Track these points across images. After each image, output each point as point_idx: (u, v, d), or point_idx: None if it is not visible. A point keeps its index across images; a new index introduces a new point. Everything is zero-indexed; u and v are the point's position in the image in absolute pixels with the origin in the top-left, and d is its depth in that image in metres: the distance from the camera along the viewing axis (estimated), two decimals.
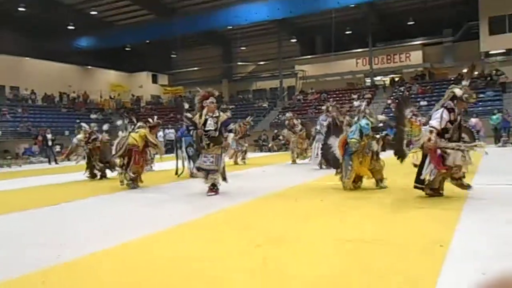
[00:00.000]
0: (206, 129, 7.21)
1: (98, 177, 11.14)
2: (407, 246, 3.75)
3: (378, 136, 7.32)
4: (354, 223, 4.79)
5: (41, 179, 11.93)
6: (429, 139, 5.64)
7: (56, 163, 20.53)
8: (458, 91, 5.87)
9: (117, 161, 9.12)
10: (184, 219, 5.35)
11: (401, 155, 6.16)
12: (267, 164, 14.20)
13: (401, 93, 29.14)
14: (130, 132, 8.85)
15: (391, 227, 4.53)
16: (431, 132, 5.68)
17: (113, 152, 8.91)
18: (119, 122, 11.56)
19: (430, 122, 5.85)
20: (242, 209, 6.07)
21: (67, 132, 26.24)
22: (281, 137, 15.46)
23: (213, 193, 7.20)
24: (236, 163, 14.34)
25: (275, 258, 3.54)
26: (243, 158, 14.82)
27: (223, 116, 7.53)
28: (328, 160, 7.96)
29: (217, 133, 7.24)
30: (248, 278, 3.09)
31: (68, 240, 4.50)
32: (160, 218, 5.56)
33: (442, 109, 5.87)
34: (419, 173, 6.04)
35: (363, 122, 7.26)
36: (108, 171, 11.08)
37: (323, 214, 5.44)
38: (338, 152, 7.47)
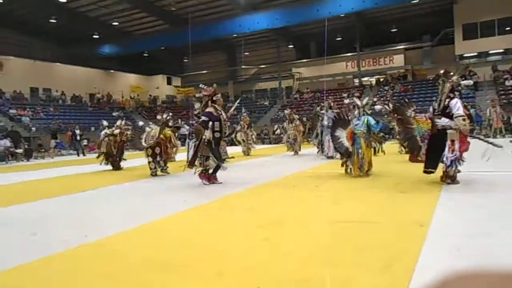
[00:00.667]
0: (223, 119, 7.11)
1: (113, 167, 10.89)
2: (392, 226, 3.73)
3: (383, 135, 7.29)
4: (345, 207, 4.77)
5: (71, 169, 11.96)
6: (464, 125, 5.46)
7: (84, 155, 20.59)
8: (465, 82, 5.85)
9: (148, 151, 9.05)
10: (194, 204, 5.34)
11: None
12: (268, 155, 14.16)
13: (385, 91, 29.04)
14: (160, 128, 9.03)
15: (377, 209, 4.51)
16: (464, 119, 5.49)
17: (144, 144, 9.01)
18: (140, 123, 11.58)
19: (457, 112, 5.53)
20: (246, 195, 6.05)
21: (93, 128, 26.24)
22: (278, 131, 15.28)
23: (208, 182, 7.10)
24: (247, 153, 14.11)
25: (275, 237, 3.53)
26: (249, 149, 14.40)
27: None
28: (339, 150, 7.70)
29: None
30: (251, 253, 3.08)
31: (95, 222, 4.51)
32: (174, 203, 5.56)
33: (458, 100, 5.71)
34: (432, 159, 5.79)
35: (372, 120, 7.23)
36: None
37: (317, 198, 5.43)
38: (347, 143, 7.31)
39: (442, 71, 6.48)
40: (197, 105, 7.89)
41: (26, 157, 18.97)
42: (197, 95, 7.62)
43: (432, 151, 5.86)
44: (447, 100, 5.74)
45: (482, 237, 3.22)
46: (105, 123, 11.47)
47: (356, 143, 7.18)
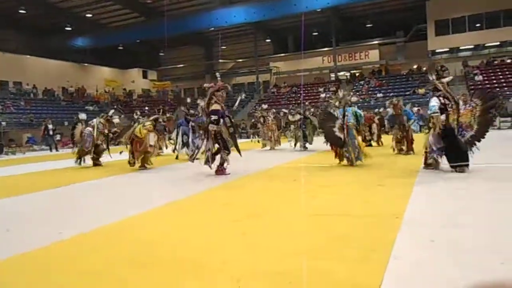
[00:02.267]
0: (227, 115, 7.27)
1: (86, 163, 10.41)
2: (368, 218, 3.80)
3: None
4: (323, 200, 4.83)
5: (44, 165, 11.64)
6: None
7: (57, 150, 20.08)
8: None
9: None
10: (171, 199, 5.29)
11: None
12: (246, 149, 14.09)
13: (361, 86, 29.46)
14: (139, 124, 9.06)
15: (355, 202, 4.59)
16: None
17: (122, 139, 9.25)
18: (82, 116, 11.04)
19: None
20: (223, 189, 6.03)
21: (66, 123, 25.60)
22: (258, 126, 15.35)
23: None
24: None
25: (253, 231, 3.54)
26: None
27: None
28: (332, 140, 7.97)
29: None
30: (229, 247, 3.08)
31: (69, 219, 4.41)
32: (151, 198, 5.50)
33: (434, 97, 6.37)
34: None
35: (360, 111, 8.17)
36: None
37: (295, 192, 5.47)
38: (340, 134, 7.59)
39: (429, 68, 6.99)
40: (189, 100, 7.85)
41: None
42: (206, 85, 7.49)
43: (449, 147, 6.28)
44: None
45: (454, 228, 3.32)
46: (83, 116, 10.98)
47: (350, 135, 7.52)
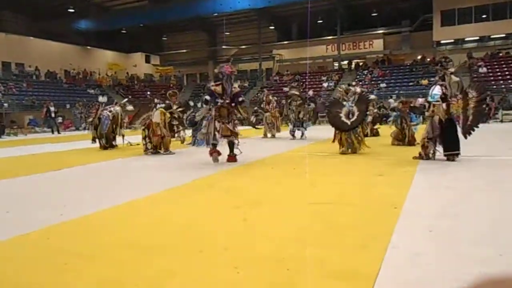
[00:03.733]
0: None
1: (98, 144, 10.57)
2: (367, 208, 3.81)
3: None
4: (322, 189, 4.83)
5: (46, 146, 11.66)
6: None
7: (59, 132, 20.11)
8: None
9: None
10: (172, 184, 5.30)
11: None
12: (246, 136, 14.03)
13: (364, 76, 29.27)
14: (155, 110, 8.96)
15: (354, 192, 4.59)
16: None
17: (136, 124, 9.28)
18: (100, 99, 11.12)
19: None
20: (223, 176, 6.04)
21: (68, 105, 25.59)
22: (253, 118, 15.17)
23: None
24: None
25: (253, 218, 3.55)
26: None
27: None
28: (337, 124, 8.07)
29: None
30: (229, 233, 3.10)
31: (70, 201, 4.42)
32: (152, 182, 5.51)
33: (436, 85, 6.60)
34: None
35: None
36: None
37: (296, 180, 5.47)
38: (347, 121, 7.79)
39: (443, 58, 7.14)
40: (236, 84, 7.43)
41: None
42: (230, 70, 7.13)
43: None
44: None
45: (453, 219, 3.32)
46: (103, 99, 11.00)
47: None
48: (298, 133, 12.18)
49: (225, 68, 7.04)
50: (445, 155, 6.49)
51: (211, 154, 6.99)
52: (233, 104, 7.03)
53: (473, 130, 6.44)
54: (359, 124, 7.97)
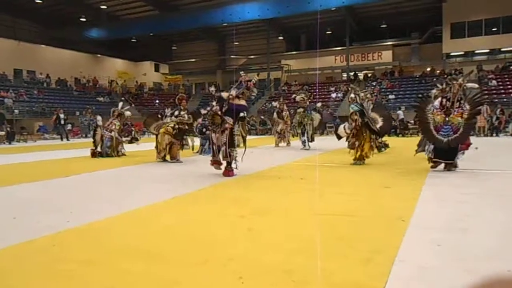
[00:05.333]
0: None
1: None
2: (374, 220, 3.78)
3: None
4: (329, 199, 4.80)
5: (55, 153, 11.77)
6: None
7: (68, 139, 20.29)
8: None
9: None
10: (179, 192, 5.32)
11: (433, 141, 6.74)
12: (254, 146, 14.09)
13: (372, 87, 29.24)
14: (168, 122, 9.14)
15: (361, 203, 4.56)
16: None
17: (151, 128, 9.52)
18: (120, 105, 11.35)
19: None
20: (230, 185, 6.04)
21: (77, 113, 25.83)
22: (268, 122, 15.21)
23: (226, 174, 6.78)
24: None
25: (259, 227, 3.54)
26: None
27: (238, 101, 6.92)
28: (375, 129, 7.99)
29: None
30: (234, 243, 3.09)
31: (78, 208, 4.45)
32: (159, 190, 5.52)
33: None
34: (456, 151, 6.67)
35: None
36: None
37: (302, 191, 5.45)
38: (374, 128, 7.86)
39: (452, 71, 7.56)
40: (223, 94, 7.15)
41: (8, 140, 18.59)
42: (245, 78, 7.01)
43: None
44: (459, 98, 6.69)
45: (461, 233, 3.28)
46: (99, 119, 11.16)
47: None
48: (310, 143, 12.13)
49: (242, 78, 7.02)
50: (433, 161, 6.79)
51: (211, 164, 6.90)
52: (229, 120, 6.61)
53: (461, 143, 6.72)
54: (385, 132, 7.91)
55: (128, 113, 11.16)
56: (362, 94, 8.54)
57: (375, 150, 7.87)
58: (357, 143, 7.88)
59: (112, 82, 35.69)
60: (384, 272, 2.44)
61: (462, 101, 6.69)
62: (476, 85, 7.37)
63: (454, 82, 6.89)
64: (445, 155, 6.67)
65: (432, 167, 6.82)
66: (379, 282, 2.30)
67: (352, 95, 8.50)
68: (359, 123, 7.74)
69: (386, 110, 7.99)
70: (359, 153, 7.85)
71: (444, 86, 7.09)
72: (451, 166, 6.74)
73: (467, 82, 7.04)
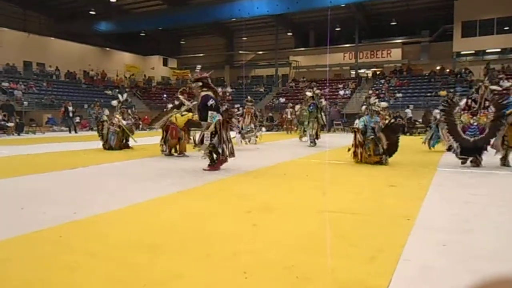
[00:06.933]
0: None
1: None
2: (379, 218, 3.76)
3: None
4: (334, 197, 4.79)
5: (63, 145, 11.86)
6: None
7: (76, 132, 20.44)
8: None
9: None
10: (184, 187, 5.34)
11: (461, 141, 7.11)
12: (260, 142, 14.05)
13: (381, 85, 29.05)
14: (176, 112, 9.15)
15: (366, 202, 4.54)
16: None
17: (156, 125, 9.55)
18: (124, 96, 11.36)
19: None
20: (235, 181, 6.04)
21: (86, 105, 26.01)
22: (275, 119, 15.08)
23: (208, 169, 6.69)
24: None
25: (263, 223, 3.54)
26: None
27: (202, 95, 6.71)
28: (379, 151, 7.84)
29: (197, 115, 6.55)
30: (238, 238, 3.09)
31: (84, 200, 4.48)
32: (164, 184, 5.53)
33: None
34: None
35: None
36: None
37: (307, 188, 5.44)
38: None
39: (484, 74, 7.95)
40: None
41: (17, 131, 18.78)
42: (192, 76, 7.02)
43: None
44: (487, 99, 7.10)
45: (468, 234, 3.25)
46: (120, 97, 11.28)
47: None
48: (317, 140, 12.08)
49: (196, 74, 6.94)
50: (460, 158, 7.25)
51: (221, 164, 6.88)
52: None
53: (487, 143, 7.03)
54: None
55: (114, 102, 11.25)
56: (376, 108, 8.08)
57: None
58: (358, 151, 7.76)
59: (130, 76, 35.78)
60: (388, 270, 2.43)
61: (488, 102, 7.08)
62: (499, 87, 7.70)
63: (480, 84, 7.40)
64: (471, 152, 7.10)
65: (462, 163, 7.26)
66: (383, 281, 2.29)
67: (363, 108, 8.26)
68: (360, 139, 7.65)
69: (397, 133, 7.73)
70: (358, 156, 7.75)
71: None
72: (477, 161, 7.11)
73: (490, 85, 7.38)
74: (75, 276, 2.36)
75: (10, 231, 3.21)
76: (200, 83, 6.80)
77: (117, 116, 10.66)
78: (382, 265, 2.54)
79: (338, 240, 3.08)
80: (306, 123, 12.19)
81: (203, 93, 6.72)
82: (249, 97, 14.67)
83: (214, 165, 6.79)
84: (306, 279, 2.32)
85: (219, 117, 6.65)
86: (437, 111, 8.71)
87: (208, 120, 6.57)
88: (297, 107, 11.96)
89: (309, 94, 12.42)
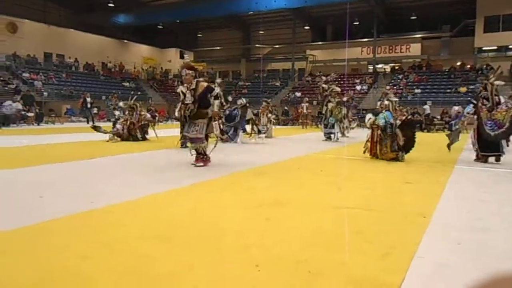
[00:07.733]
0: (186, 102, 6.39)
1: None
2: (394, 215, 3.72)
3: None
4: (348, 193, 4.76)
5: (81, 136, 12.06)
6: None
7: (93, 123, 20.73)
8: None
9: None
10: (199, 179, 5.37)
11: (485, 135, 7.17)
12: (275, 136, 14.02)
13: (399, 80, 28.63)
14: None
15: (381, 198, 4.50)
16: None
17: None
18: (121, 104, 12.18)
19: None
20: (248, 174, 6.04)
21: (103, 97, 26.34)
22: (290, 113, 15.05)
23: (201, 164, 6.43)
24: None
25: (276, 218, 3.54)
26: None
27: (202, 85, 6.47)
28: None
29: (196, 105, 6.35)
30: (251, 232, 3.10)
31: (101, 190, 4.55)
32: (179, 176, 5.58)
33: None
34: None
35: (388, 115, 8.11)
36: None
37: (321, 183, 5.42)
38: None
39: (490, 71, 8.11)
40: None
41: (37, 121, 19.16)
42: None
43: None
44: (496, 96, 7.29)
45: (483, 232, 3.20)
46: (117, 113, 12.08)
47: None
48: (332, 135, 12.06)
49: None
50: (482, 155, 7.36)
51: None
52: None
53: (508, 137, 7.34)
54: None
55: (120, 103, 11.86)
56: (394, 101, 8.33)
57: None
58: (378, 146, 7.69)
59: (147, 69, 36.11)
60: (402, 267, 2.41)
61: (498, 97, 7.26)
62: (503, 82, 7.82)
63: (486, 81, 7.49)
64: (490, 148, 7.24)
65: (484, 161, 7.33)
66: (396, 278, 2.27)
67: (386, 102, 8.13)
68: (381, 136, 7.57)
69: (413, 129, 7.71)
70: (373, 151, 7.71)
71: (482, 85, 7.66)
72: (499, 157, 7.28)
73: (494, 80, 7.40)
74: (90, 266, 2.40)
75: (28, 219, 3.29)
76: (194, 73, 6.61)
77: (143, 111, 11.22)
78: (396, 262, 2.52)
79: (352, 236, 3.06)
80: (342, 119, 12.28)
81: (204, 83, 6.62)
82: (265, 99, 14.99)
83: (207, 158, 6.65)
84: (318, 274, 2.32)
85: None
86: (456, 107, 8.63)
87: (215, 109, 6.57)
88: (330, 105, 11.84)
89: (335, 89, 12.36)
